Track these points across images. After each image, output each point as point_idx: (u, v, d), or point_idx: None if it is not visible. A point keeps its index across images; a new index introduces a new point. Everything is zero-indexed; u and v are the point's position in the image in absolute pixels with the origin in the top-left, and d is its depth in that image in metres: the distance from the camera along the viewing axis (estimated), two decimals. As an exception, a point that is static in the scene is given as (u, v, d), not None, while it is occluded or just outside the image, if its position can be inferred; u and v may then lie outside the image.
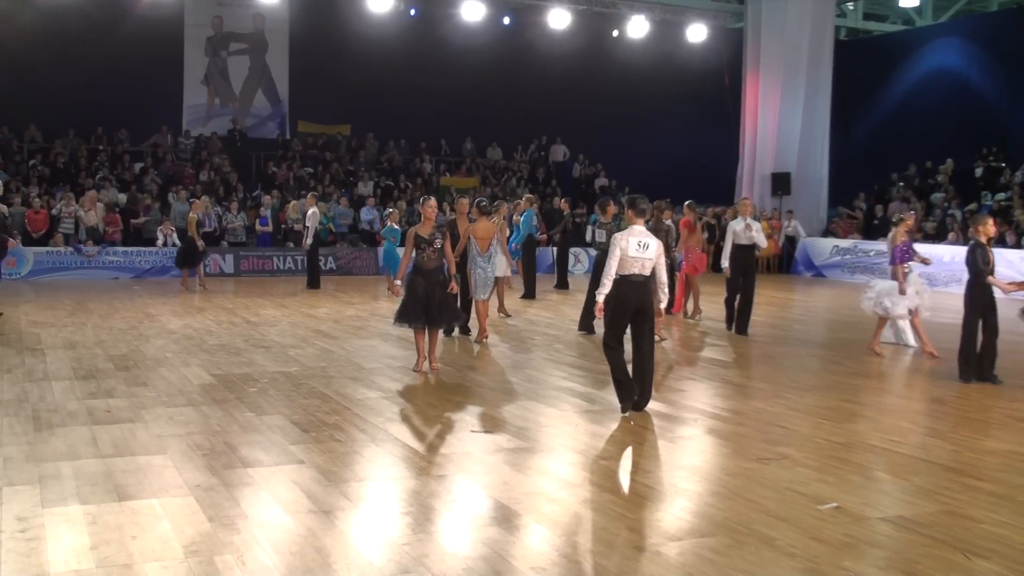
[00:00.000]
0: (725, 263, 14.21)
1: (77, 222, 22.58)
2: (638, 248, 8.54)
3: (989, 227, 10.52)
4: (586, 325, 14.14)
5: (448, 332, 12.70)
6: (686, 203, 16.62)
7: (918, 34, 31.49)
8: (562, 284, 20.99)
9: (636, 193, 9.34)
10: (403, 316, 10.58)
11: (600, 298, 8.58)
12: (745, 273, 14.17)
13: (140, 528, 5.59)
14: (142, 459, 7.02)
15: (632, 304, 8.54)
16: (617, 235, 8.64)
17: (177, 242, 22.84)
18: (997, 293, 10.55)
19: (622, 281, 8.51)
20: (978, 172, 27.37)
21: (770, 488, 6.61)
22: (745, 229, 13.95)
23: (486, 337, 13.14)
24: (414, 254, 10.59)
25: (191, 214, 20.01)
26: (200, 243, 19.90)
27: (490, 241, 13.03)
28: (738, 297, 14.27)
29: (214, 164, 26.74)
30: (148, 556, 5.17)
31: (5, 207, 15.22)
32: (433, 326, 10.72)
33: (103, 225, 22.81)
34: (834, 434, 8.21)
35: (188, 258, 20.11)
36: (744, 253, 14.14)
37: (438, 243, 10.53)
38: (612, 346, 8.76)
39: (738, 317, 14.28)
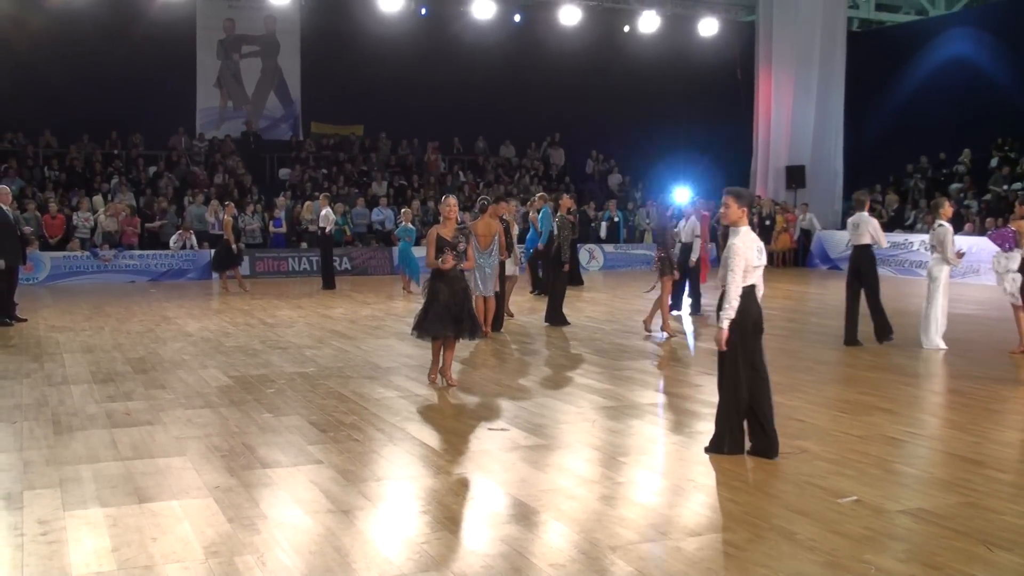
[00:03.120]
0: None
1: (94, 226, 22.73)
2: (758, 255, 7.09)
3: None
4: (555, 319, 14.55)
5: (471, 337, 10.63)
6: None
7: (931, 24, 31.32)
8: (575, 280, 20.95)
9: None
10: (428, 327, 9.64)
11: (726, 323, 6.98)
12: (861, 275, 12.74)
13: (160, 530, 5.62)
14: (161, 461, 7.06)
15: (752, 320, 7.09)
16: (737, 242, 7.01)
17: (195, 245, 23.04)
18: None
19: (743, 294, 7.01)
20: (994, 162, 27.21)
21: (789, 482, 6.59)
22: (854, 227, 12.70)
23: (488, 335, 13.17)
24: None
25: (226, 217, 20.26)
26: (236, 245, 20.22)
27: (491, 239, 13.05)
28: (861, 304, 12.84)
29: (228, 167, 26.84)
30: (169, 557, 5.19)
31: (16, 213, 15.39)
32: (456, 336, 9.81)
33: (120, 228, 22.92)
34: (852, 427, 8.17)
35: (225, 260, 20.33)
36: (859, 253, 12.77)
37: (462, 247, 9.66)
38: (741, 382, 7.10)
39: (876, 325, 12.76)
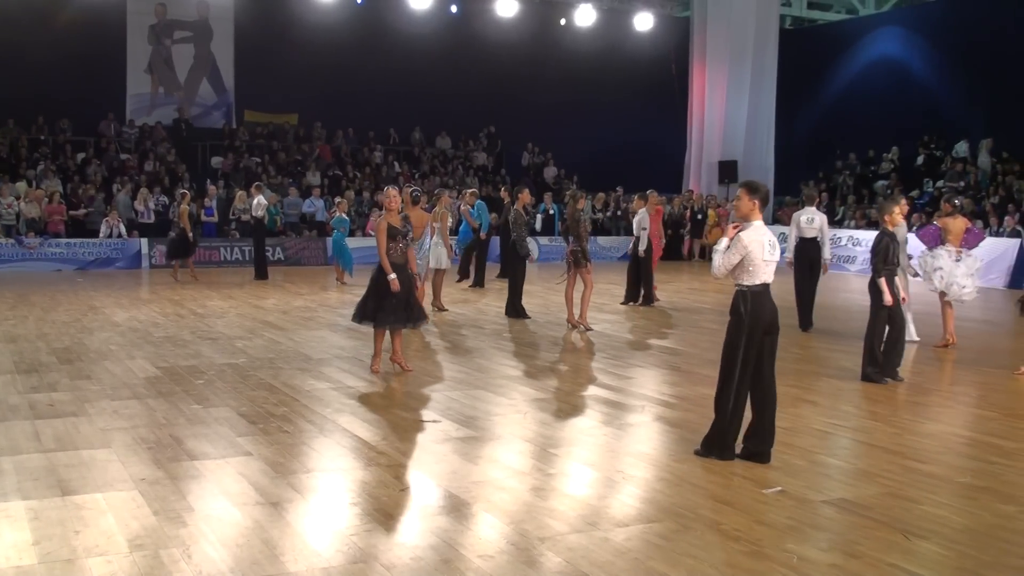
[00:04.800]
0: (789, 255, 13.53)
1: (18, 213, 22.22)
2: (769, 249, 6.79)
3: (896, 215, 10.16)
4: (515, 311, 14.53)
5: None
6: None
7: (861, 23, 31.94)
8: (507, 273, 21.01)
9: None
10: (382, 319, 9.76)
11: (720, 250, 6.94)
12: (811, 267, 13.60)
13: (84, 523, 5.53)
14: (86, 453, 6.93)
15: (765, 321, 6.84)
16: (743, 236, 6.77)
17: (124, 233, 22.68)
18: None
19: (755, 294, 6.81)
20: (919, 160, 27.83)
21: (716, 473, 6.69)
22: (809, 221, 13.50)
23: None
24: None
25: (183, 206, 20.00)
26: (191, 234, 19.95)
27: (423, 229, 13.01)
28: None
29: (158, 154, 26.39)
30: (92, 551, 5.11)
31: None
32: (406, 325, 10.03)
33: (43, 214, 22.44)
34: (779, 419, 8.22)
35: (180, 249, 20.04)
36: (808, 246, 13.59)
37: (410, 236, 9.91)
38: (743, 384, 6.87)
39: (807, 314, 13.73)
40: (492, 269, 20.17)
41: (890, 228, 10.03)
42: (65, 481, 6.27)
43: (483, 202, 19.39)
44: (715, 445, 6.96)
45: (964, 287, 12.02)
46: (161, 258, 22.56)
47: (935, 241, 12.21)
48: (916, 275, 12.28)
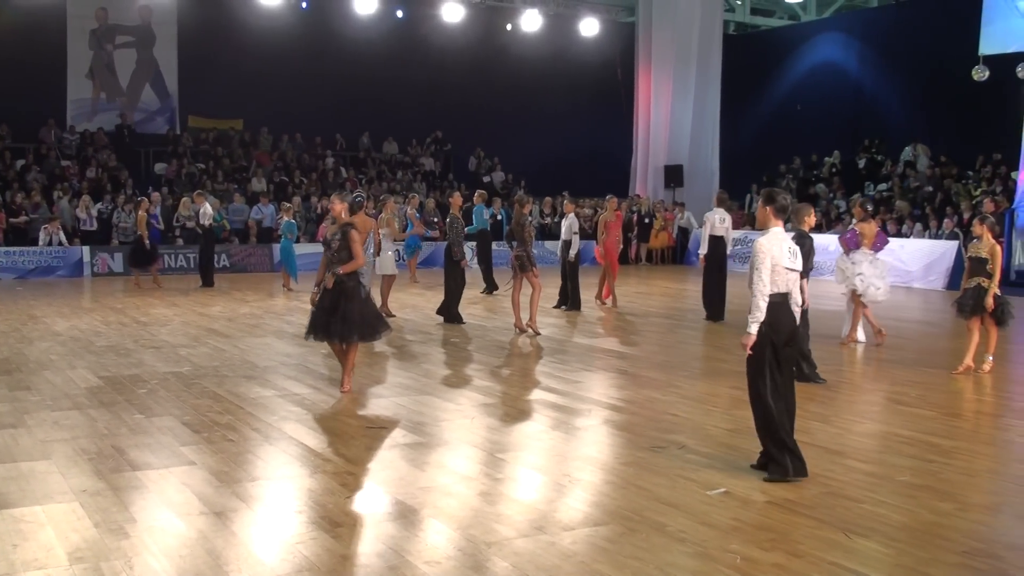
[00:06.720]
0: (702, 251, 14.90)
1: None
2: (790, 256, 6.68)
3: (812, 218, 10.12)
4: (450, 316, 14.56)
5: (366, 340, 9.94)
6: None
7: (803, 29, 32.39)
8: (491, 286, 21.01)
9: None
10: (309, 330, 9.32)
11: (754, 327, 6.54)
12: (719, 263, 14.89)
13: (22, 536, 5.43)
14: (24, 465, 6.81)
15: (785, 331, 6.66)
16: (762, 240, 6.67)
17: (64, 240, 22.33)
18: None
19: (774, 303, 6.58)
20: (861, 164, 28.28)
21: (662, 475, 6.75)
22: (721, 220, 14.68)
23: None
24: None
25: (140, 212, 19.75)
26: (147, 241, 19.86)
27: (366, 235, 12.94)
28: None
29: (100, 160, 26.00)
30: (30, 565, 5.02)
31: None
32: (338, 338, 9.22)
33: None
34: (723, 421, 8.41)
35: (141, 257, 19.80)
36: (719, 243, 14.83)
37: (336, 243, 9.19)
38: (776, 392, 6.66)
39: (718, 307, 15.01)
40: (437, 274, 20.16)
41: (804, 229, 10.10)
42: (3, 494, 6.16)
43: (482, 206, 19.23)
44: (785, 462, 6.62)
45: (879, 288, 12.49)
46: (104, 266, 22.30)
47: (855, 245, 12.62)
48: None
